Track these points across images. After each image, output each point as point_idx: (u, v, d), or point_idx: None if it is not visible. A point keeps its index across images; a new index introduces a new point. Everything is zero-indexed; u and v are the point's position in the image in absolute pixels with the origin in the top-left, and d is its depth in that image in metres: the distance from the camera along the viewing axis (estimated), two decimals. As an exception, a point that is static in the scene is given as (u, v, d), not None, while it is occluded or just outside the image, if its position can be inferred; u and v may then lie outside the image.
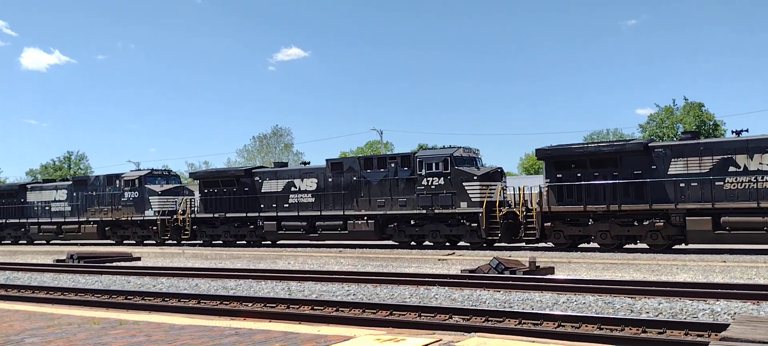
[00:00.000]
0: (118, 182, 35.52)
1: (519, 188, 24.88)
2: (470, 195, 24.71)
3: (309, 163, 30.58)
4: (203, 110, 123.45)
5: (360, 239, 27.92)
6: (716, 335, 7.50)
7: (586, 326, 8.61)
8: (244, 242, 31.64)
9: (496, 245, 25.11)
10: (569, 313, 9.38)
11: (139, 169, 36.17)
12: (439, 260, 20.66)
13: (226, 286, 14.56)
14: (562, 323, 8.78)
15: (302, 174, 29.56)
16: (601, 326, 8.54)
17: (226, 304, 11.53)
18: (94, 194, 36.36)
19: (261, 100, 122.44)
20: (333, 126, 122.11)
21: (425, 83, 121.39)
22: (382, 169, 27.07)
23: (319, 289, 13.55)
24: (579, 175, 23.08)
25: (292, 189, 29.47)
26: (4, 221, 40.33)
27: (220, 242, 32.15)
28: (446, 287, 12.93)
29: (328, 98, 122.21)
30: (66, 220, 37.26)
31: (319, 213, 28.46)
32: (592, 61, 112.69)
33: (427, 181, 25.66)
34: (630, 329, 8.36)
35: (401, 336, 6.68)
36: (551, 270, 15.61)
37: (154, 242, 34.05)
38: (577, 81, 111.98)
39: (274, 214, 29.66)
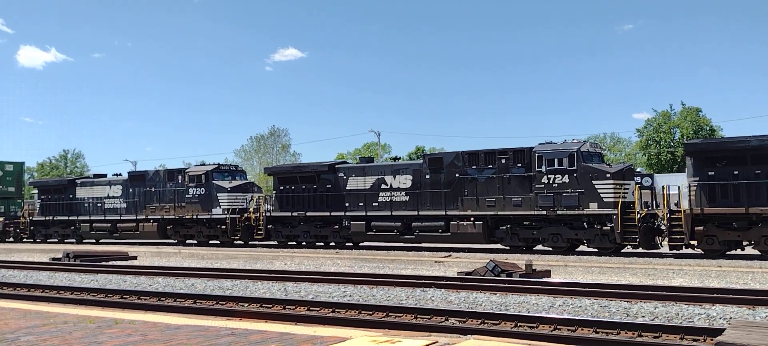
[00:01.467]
0: (180, 177, 32.87)
1: (662, 187, 22.33)
2: (602, 195, 22.08)
3: (400, 158, 27.87)
4: (200, 110, 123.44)
5: (465, 242, 25.46)
6: (712, 339, 7.52)
7: (582, 330, 8.62)
8: (325, 244, 29.10)
9: (625, 251, 23.00)
10: (565, 316, 9.39)
11: (205, 164, 33.41)
12: (435, 262, 20.66)
13: (223, 286, 14.55)
14: (558, 327, 8.79)
15: (395, 170, 27.05)
16: (597, 330, 8.55)
17: (223, 304, 11.52)
18: (153, 190, 33.69)
19: (258, 100, 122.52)
20: (330, 127, 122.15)
21: (423, 86, 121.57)
22: (490, 166, 24.50)
23: (315, 290, 13.55)
24: (736, 172, 20.48)
25: (383, 186, 27.04)
26: (50, 218, 37.82)
27: (296, 243, 29.82)
28: (443, 289, 12.93)
29: (325, 99, 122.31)
30: (122, 218, 34.59)
31: (415, 213, 25.97)
32: (588, 66, 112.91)
33: (548, 178, 23.03)
34: (626, 332, 8.38)
35: (397, 338, 6.68)
36: (548, 273, 15.62)
37: (222, 242, 31.64)
38: (574, 86, 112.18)
39: (363, 213, 27.14)
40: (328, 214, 28.13)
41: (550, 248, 23.35)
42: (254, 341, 6.56)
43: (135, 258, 24.30)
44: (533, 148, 23.61)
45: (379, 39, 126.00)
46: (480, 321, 9.26)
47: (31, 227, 38.84)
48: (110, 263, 21.92)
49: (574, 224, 22.91)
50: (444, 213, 25.28)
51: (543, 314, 9.58)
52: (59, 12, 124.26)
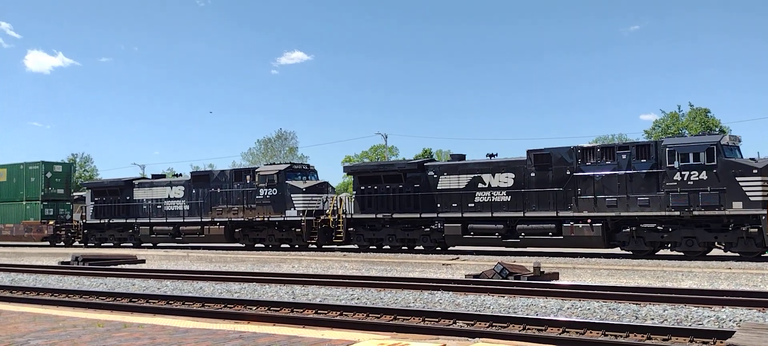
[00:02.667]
0: (249, 177, 31.04)
1: None
2: (748, 193, 19.90)
3: (495, 155, 25.76)
4: (206, 113, 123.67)
5: (580, 246, 23.32)
6: (721, 342, 7.48)
7: (591, 333, 8.59)
8: (409, 248, 27.06)
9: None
10: (574, 319, 9.35)
11: (277, 163, 31.90)
12: (443, 264, 20.64)
13: (231, 289, 14.58)
14: (567, 329, 8.76)
15: (493, 168, 24.86)
16: (606, 333, 8.51)
17: (231, 307, 11.54)
18: (219, 191, 31.80)
19: (264, 103, 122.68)
20: (336, 129, 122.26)
21: (430, 88, 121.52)
22: (608, 162, 22.32)
23: (323, 293, 13.55)
24: None
25: (480, 186, 24.91)
26: (106, 220, 35.92)
27: (377, 247, 27.60)
28: (450, 292, 12.91)
29: (331, 102, 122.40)
30: (185, 220, 32.68)
31: (520, 214, 23.80)
32: (595, 67, 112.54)
33: (682, 175, 20.81)
34: (635, 335, 8.34)
35: (405, 341, 6.67)
36: (556, 276, 15.58)
37: (296, 246, 29.93)
38: (581, 86, 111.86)
39: (458, 215, 25.05)
40: (417, 216, 26.06)
41: (681, 253, 21.41)
42: (262, 345, 6.57)
43: (143, 261, 24.37)
44: (662, 141, 21.68)
45: (385, 41, 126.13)
46: (488, 324, 9.24)
47: (85, 231, 37.14)
48: (119, 266, 22.00)
49: (711, 226, 20.71)
50: (555, 215, 23.04)
51: (551, 317, 9.55)
52: (66, 17, 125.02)
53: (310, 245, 29.46)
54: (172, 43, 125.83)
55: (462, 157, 26.88)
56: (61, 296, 13.70)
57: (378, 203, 27.15)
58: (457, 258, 22.37)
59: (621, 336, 8.36)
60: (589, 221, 22.37)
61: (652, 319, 9.83)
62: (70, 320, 8.57)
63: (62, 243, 38.59)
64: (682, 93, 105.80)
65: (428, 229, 25.89)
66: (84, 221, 37.20)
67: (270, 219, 29.94)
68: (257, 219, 30.23)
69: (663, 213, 21.09)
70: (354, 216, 27.78)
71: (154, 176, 37.03)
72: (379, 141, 71.00)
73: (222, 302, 12.05)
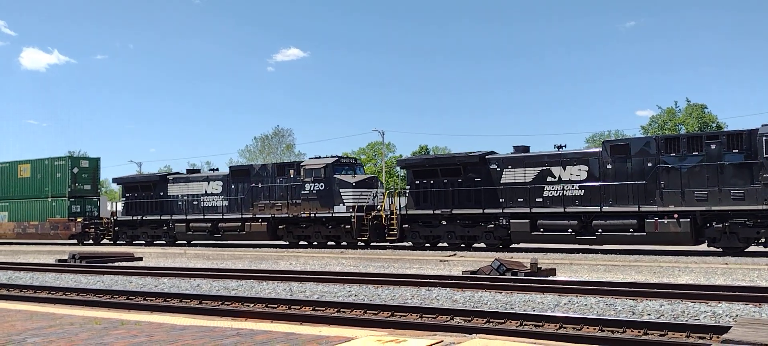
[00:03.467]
0: (293, 171, 29.53)
1: None
2: None
3: (564, 146, 24.29)
4: (202, 111, 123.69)
5: (665, 243, 21.96)
6: (718, 337, 7.49)
7: (588, 328, 8.61)
8: (466, 246, 25.51)
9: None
10: (571, 315, 9.38)
11: (323, 157, 29.99)
12: (440, 261, 20.66)
13: (228, 286, 14.58)
14: (564, 325, 8.78)
15: (564, 160, 23.50)
16: (603, 328, 8.54)
17: (228, 304, 11.55)
18: (260, 186, 30.22)
19: (260, 100, 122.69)
20: (333, 126, 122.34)
21: (426, 85, 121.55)
22: (695, 153, 20.94)
23: (320, 290, 13.56)
24: None
25: (549, 179, 23.54)
26: (139, 217, 34.24)
27: (431, 245, 26.19)
28: (448, 289, 12.93)
29: (327, 99, 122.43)
30: (224, 217, 31.00)
31: (597, 209, 22.31)
32: (592, 63, 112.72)
33: None
34: (631, 331, 8.36)
35: (403, 337, 6.68)
36: (553, 272, 15.61)
37: (345, 243, 28.30)
38: (577, 83, 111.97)
39: (526, 210, 23.65)
40: (479, 211, 24.52)
41: None
42: (260, 342, 6.57)
43: (140, 259, 24.36)
44: (757, 130, 20.12)
45: (382, 38, 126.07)
46: (485, 320, 9.26)
47: (116, 228, 35.55)
48: (116, 264, 21.99)
49: None
50: (637, 209, 21.59)
51: (548, 313, 9.57)
52: (61, 14, 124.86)
53: (360, 243, 28.04)
54: (168, 41, 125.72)
55: (526, 149, 25.40)
56: (58, 294, 13.70)
57: (434, 198, 25.71)
58: (454, 255, 22.38)
59: (618, 331, 8.39)
60: (675, 216, 20.89)
61: (649, 314, 9.86)
62: (67, 317, 8.56)
63: (91, 241, 36.94)
64: (678, 89, 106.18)
65: (492, 225, 24.38)
66: (115, 217, 35.86)
67: (317, 215, 28.26)
68: (303, 215, 28.57)
69: (760, 207, 19.69)
70: (409, 212, 26.24)
71: (189, 171, 35.48)
72: (376, 138, 71.02)
73: (219, 299, 12.06)
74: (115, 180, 39.22)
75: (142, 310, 10.98)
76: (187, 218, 32.36)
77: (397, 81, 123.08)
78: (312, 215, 28.34)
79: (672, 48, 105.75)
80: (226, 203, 31.36)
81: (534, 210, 23.50)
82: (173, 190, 33.59)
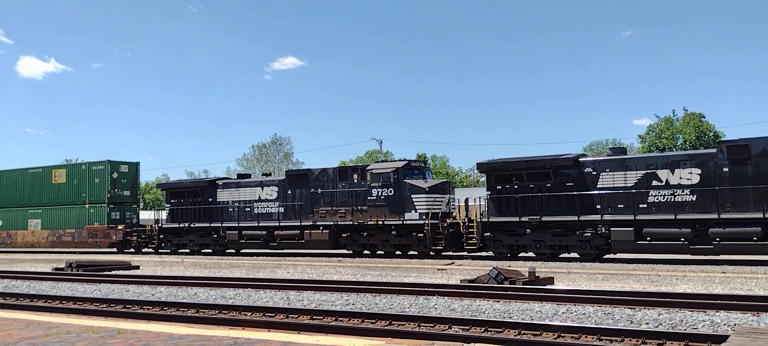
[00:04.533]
0: (357, 176, 27.78)
1: None
2: None
3: (664, 149, 21.75)
4: (200, 119, 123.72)
5: None
6: (716, 346, 7.49)
7: (586, 337, 8.59)
8: (552, 255, 23.47)
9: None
10: (569, 324, 9.36)
11: (392, 160, 28.22)
12: (438, 269, 20.63)
13: (226, 295, 14.54)
14: (562, 334, 8.76)
15: (672, 162, 21.68)
16: (601, 337, 8.52)
17: (225, 313, 11.50)
18: (320, 191, 28.44)
19: (258, 109, 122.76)
20: (330, 134, 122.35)
21: (424, 93, 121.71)
22: None
23: (318, 298, 13.53)
24: None
25: (655, 183, 21.73)
26: (186, 225, 32.09)
27: (511, 255, 24.15)
28: (446, 297, 12.90)
29: (325, 107, 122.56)
30: (281, 224, 29.17)
31: (714, 216, 20.38)
32: (589, 72, 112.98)
33: None
34: (630, 339, 8.34)
35: (400, 346, 6.66)
36: (551, 280, 15.59)
37: (416, 253, 26.46)
38: (574, 93, 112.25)
39: (629, 217, 21.60)
40: (574, 219, 22.58)
41: None
42: (257, 351, 6.55)
43: (137, 267, 24.30)
44: None
45: (379, 46, 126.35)
46: (483, 329, 9.24)
47: (160, 236, 33.46)
48: (113, 272, 21.92)
49: None
50: (762, 216, 19.61)
51: (546, 322, 9.55)
52: (58, 23, 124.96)
53: (434, 252, 26.13)
54: (165, 49, 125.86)
55: (623, 150, 23.95)
56: (55, 303, 13.63)
57: (519, 205, 23.72)
58: (452, 263, 22.35)
59: (616, 340, 8.37)
60: None
61: (647, 323, 9.84)
62: (64, 326, 8.53)
63: (132, 250, 35.03)
64: (675, 98, 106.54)
65: (589, 233, 22.38)
66: (159, 225, 33.81)
67: (385, 222, 26.38)
68: (369, 222, 26.73)
69: None
70: (491, 219, 24.23)
71: (240, 176, 34.03)
72: (374, 146, 71.09)
73: (217, 308, 12.01)
74: (159, 185, 38.21)
75: (140, 319, 10.94)
76: (240, 225, 30.46)
77: (395, 89, 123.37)
78: (380, 222, 26.48)
79: (669, 57, 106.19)
80: (282, 209, 29.55)
81: (639, 217, 21.47)
82: (223, 196, 31.72)
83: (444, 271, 20.21)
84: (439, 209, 26.15)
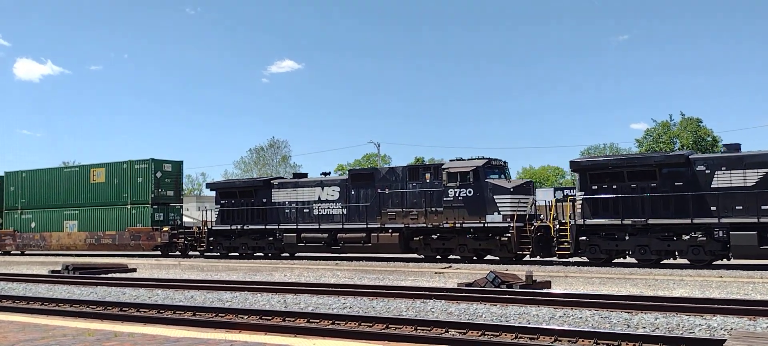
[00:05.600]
0: (430, 175, 25.75)
1: None
2: None
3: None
4: (197, 122, 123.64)
5: None
6: (713, 350, 7.50)
7: (583, 341, 8.60)
8: (653, 262, 21.44)
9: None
10: (566, 327, 9.36)
11: (470, 159, 25.91)
12: (435, 273, 20.63)
13: (222, 298, 14.52)
14: (559, 338, 8.77)
15: None
16: (598, 341, 8.53)
17: (222, 316, 11.49)
18: (387, 192, 26.58)
19: (255, 112, 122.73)
20: (328, 138, 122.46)
21: (421, 96, 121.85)
22: None
23: (315, 302, 13.51)
24: None
25: None
26: (238, 227, 30.24)
27: (601, 259, 22.16)
28: (443, 301, 12.90)
29: (322, 111, 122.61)
30: (344, 226, 27.31)
31: None
32: (585, 77, 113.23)
33: None
34: (626, 343, 8.35)
35: (397, 350, 6.66)
36: (548, 284, 15.60)
37: (497, 258, 24.29)
38: (571, 97, 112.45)
39: (751, 219, 19.60)
40: (686, 221, 20.50)
41: None
42: (254, 354, 6.54)
43: (134, 270, 24.26)
44: None
45: (376, 50, 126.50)
46: (480, 333, 9.23)
47: (210, 238, 31.29)
48: (109, 275, 21.89)
49: None
50: None
51: (543, 326, 9.56)
52: (55, 25, 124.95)
53: (519, 257, 24.22)
54: (163, 52, 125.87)
55: (737, 147, 21.77)
56: (52, 305, 13.61)
57: (619, 206, 21.78)
58: (449, 266, 22.34)
59: (613, 344, 8.38)
60: None
61: (644, 327, 9.85)
62: (60, 329, 8.51)
63: (178, 253, 33.11)
64: (672, 102, 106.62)
65: (704, 238, 20.38)
66: (208, 226, 31.73)
67: (464, 225, 24.41)
68: (445, 225, 24.79)
69: None
70: (587, 222, 22.25)
71: (296, 175, 32.12)
72: (372, 149, 71.14)
73: (213, 310, 12.00)
74: (209, 185, 35.29)
75: (136, 322, 10.92)
76: (299, 227, 28.50)
77: (392, 93, 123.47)
78: (458, 225, 24.46)
79: (665, 62, 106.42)
80: (344, 210, 27.71)
81: (763, 220, 19.56)
82: (279, 196, 29.78)
83: (441, 274, 20.20)
84: (524, 210, 24.22)
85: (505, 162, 26.16)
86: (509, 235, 23.37)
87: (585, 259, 22.49)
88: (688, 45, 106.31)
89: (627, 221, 21.48)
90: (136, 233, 33.71)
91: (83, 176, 36.32)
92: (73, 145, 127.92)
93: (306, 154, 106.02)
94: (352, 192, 27.71)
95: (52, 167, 39.09)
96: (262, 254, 29.91)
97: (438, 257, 25.56)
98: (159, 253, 33.48)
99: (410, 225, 25.73)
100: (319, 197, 28.62)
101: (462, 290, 14.28)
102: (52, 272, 22.94)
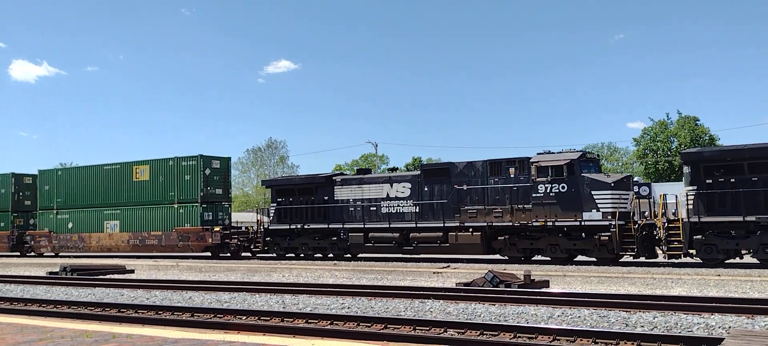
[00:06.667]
0: (514, 169, 23.98)
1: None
2: None
3: None
4: (194, 123, 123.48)
5: None
6: (711, 349, 7.51)
7: (581, 340, 8.60)
8: None
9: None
10: (564, 327, 9.37)
11: (563, 152, 24.13)
12: (434, 273, 20.63)
13: (220, 299, 14.51)
14: (557, 337, 8.77)
15: None
16: (596, 340, 8.53)
17: (220, 317, 11.48)
18: (465, 188, 24.80)
19: (252, 113, 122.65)
20: (325, 138, 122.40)
21: (418, 96, 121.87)
22: None
23: (313, 302, 13.51)
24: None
25: None
26: (297, 226, 28.46)
27: (716, 261, 20.57)
28: (441, 301, 12.90)
29: (319, 111, 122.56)
30: (417, 225, 25.63)
31: None
32: (582, 76, 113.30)
33: None
34: (625, 342, 8.36)
35: (396, 350, 6.66)
36: (546, 284, 15.61)
37: (594, 259, 22.62)
38: (568, 95, 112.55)
39: None
40: None
41: None
42: (252, 355, 6.54)
43: (132, 271, 24.23)
44: None
45: (373, 50, 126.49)
46: (479, 332, 9.24)
47: (267, 238, 29.60)
48: (107, 276, 21.86)
49: None
50: None
51: (542, 325, 9.56)
52: (51, 26, 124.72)
53: (618, 258, 22.53)
54: (159, 53, 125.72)
55: None
56: (49, 307, 13.58)
57: (739, 201, 19.94)
58: (448, 266, 22.34)
59: (611, 343, 8.39)
60: None
61: (642, 326, 9.86)
62: (58, 331, 8.50)
63: (228, 254, 31.59)
64: (668, 102, 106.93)
65: None
66: (264, 226, 30.01)
67: (556, 223, 22.71)
68: (535, 223, 23.07)
69: None
70: (703, 219, 20.38)
71: (360, 171, 30.49)
72: (369, 149, 71.12)
73: (211, 311, 11.99)
74: (265, 183, 33.97)
75: (134, 323, 10.91)
76: (366, 226, 26.82)
77: (390, 93, 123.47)
78: (550, 223, 22.79)
79: (661, 60, 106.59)
80: (416, 208, 26.01)
81: None
82: (343, 193, 28.02)
83: (439, 274, 20.21)
84: (625, 207, 22.40)
85: (597, 155, 24.46)
86: (610, 234, 21.69)
87: (697, 259, 20.96)
88: (684, 43, 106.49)
89: (750, 218, 19.71)
90: (184, 234, 32.09)
91: (125, 174, 34.57)
92: (69, 147, 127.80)
93: (303, 155, 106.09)
94: (425, 188, 26.00)
95: (91, 165, 36.96)
96: (320, 256, 28.61)
97: (523, 258, 23.90)
98: (209, 254, 32.12)
99: (494, 223, 23.96)
100: (388, 194, 26.87)
101: (460, 290, 14.28)
102: (50, 273, 22.91)
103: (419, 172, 26.70)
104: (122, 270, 24.16)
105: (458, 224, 24.59)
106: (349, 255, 27.98)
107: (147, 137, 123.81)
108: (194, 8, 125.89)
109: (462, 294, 13.55)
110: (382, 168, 66.39)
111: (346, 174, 31.35)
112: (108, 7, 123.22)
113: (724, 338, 7.07)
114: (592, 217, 22.10)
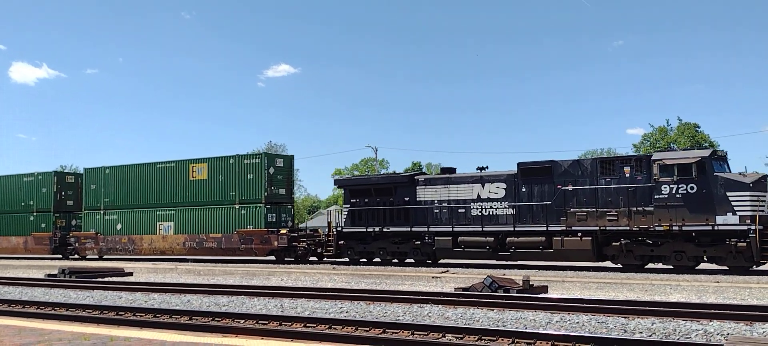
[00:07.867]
0: (630, 168, 21.96)
1: None
2: None
3: None
4: (193, 125, 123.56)
5: None
6: (709, 355, 7.50)
7: (580, 346, 8.59)
8: None
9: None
10: (563, 332, 9.36)
11: (689, 149, 22.87)
12: (432, 277, 20.62)
13: (219, 302, 14.49)
14: (556, 343, 8.76)
15: None
16: (595, 346, 8.52)
17: (218, 320, 11.46)
18: (571, 188, 22.73)
19: (251, 116, 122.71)
20: (324, 142, 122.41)
21: (418, 101, 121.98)
22: None
23: (312, 306, 13.49)
24: None
25: None
26: (374, 229, 26.62)
27: None
28: (440, 305, 12.89)
29: (319, 115, 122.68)
30: (515, 229, 23.61)
31: None
32: (581, 82, 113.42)
33: None
34: (623, 349, 8.34)
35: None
36: (545, 289, 15.60)
37: (727, 267, 20.44)
38: (567, 102, 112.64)
39: None
40: None
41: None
42: (250, 358, 6.53)
43: (131, 274, 24.21)
44: None
45: (373, 54, 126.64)
46: (477, 337, 9.22)
47: (340, 242, 27.78)
48: (106, 279, 21.84)
49: None
50: None
51: (540, 330, 9.55)
52: (51, 29, 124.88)
53: (758, 266, 20.52)
54: (159, 56, 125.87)
55: None
56: (48, 309, 13.56)
57: None
58: (447, 271, 22.33)
59: (610, 350, 8.37)
60: None
61: (641, 332, 9.85)
62: (56, 333, 8.49)
63: (293, 259, 29.80)
64: (668, 108, 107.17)
65: None
66: (338, 229, 28.13)
67: (684, 228, 20.61)
68: (657, 227, 20.98)
69: None
70: None
71: (444, 170, 28.19)
72: (369, 154, 71.12)
73: (210, 315, 11.97)
74: (337, 182, 32.23)
75: (132, 326, 10.89)
76: (454, 229, 24.86)
77: (389, 97, 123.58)
78: (676, 228, 20.70)
79: (661, 67, 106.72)
80: (512, 210, 24.03)
81: None
82: (426, 194, 26.02)
83: (438, 279, 20.20)
84: (763, 210, 20.27)
85: (725, 152, 22.14)
86: (749, 240, 19.59)
87: None
88: (684, 50, 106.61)
89: None
90: (247, 236, 30.26)
91: (181, 173, 32.68)
92: (69, 149, 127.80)
93: (303, 159, 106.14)
94: (523, 189, 23.93)
95: (142, 163, 34.83)
96: (397, 261, 26.97)
97: (643, 264, 21.94)
98: (273, 258, 30.58)
99: (607, 227, 21.91)
100: (479, 195, 24.80)
101: (459, 295, 14.26)
102: (48, 275, 22.88)
103: (516, 170, 24.41)
104: (120, 273, 24.15)
105: (564, 228, 22.60)
106: (430, 261, 26.34)
107: (146, 140, 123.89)
108: (194, 11, 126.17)
109: (461, 299, 13.54)
110: (391, 169, 66.36)
111: (428, 173, 29.64)
112: (108, 10, 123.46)
113: (722, 345, 7.07)
114: (727, 221, 20.01)
